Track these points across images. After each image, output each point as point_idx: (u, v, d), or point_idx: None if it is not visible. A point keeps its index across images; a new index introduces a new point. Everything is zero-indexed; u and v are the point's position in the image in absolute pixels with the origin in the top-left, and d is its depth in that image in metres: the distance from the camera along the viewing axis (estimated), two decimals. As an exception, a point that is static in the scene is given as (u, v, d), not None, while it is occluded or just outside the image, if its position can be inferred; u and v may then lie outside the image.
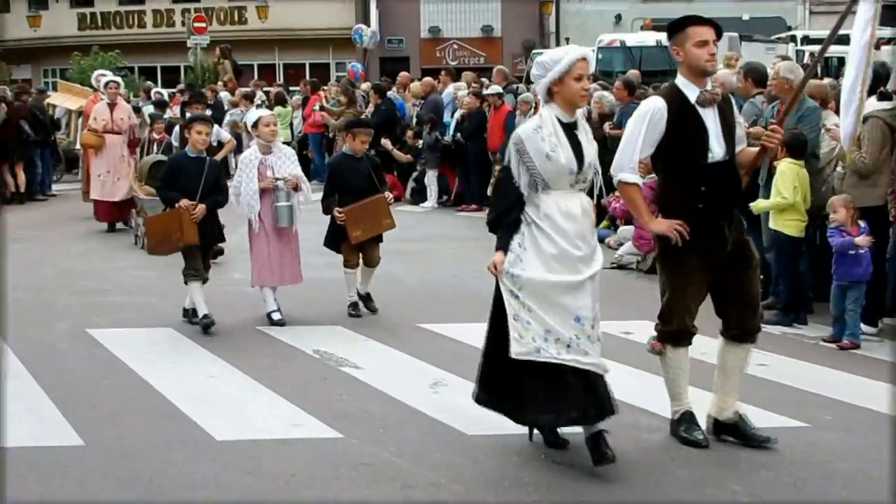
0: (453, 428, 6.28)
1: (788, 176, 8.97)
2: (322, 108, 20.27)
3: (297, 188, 9.07)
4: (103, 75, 16.20)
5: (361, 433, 6.22)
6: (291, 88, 25.22)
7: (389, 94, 19.87)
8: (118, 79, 15.81)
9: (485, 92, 17.30)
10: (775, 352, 8.23)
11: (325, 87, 22.15)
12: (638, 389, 7.07)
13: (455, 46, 37.33)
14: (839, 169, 9.17)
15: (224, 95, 23.00)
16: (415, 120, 19.01)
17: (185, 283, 8.94)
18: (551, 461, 5.77)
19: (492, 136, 16.56)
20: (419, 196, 18.28)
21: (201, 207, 8.78)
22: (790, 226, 9.07)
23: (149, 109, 18.24)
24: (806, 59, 21.36)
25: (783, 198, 8.95)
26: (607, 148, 13.63)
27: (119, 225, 15.05)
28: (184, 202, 8.75)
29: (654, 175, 10.49)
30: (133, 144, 14.99)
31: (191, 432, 6.24)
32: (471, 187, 17.32)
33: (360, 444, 6.03)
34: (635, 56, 23.89)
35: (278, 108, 21.59)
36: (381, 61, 35.71)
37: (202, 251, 9.01)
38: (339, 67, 36.07)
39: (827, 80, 11.52)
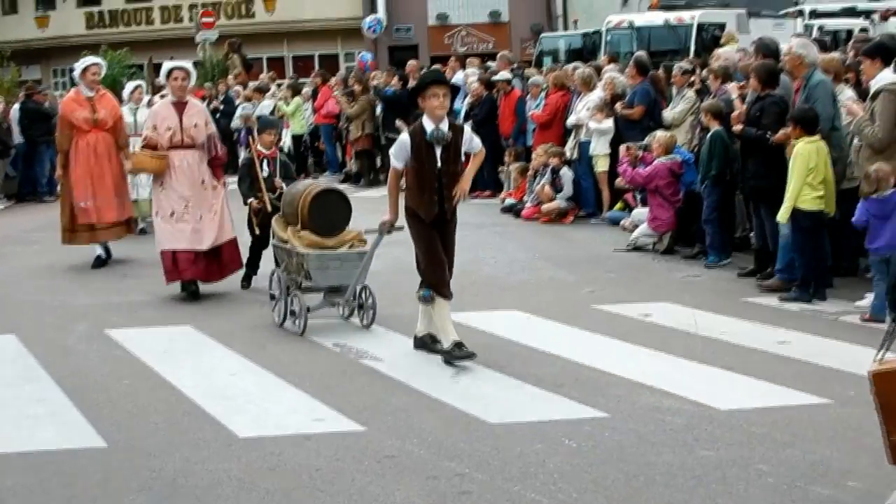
0: (476, 417, 6.27)
1: (801, 160, 8.93)
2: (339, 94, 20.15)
3: None
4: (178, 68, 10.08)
5: (384, 425, 6.22)
6: (301, 80, 25.18)
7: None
8: (187, 64, 10.41)
9: (493, 78, 17.24)
10: (796, 328, 8.20)
11: (335, 81, 21.85)
12: (659, 372, 7.07)
13: (463, 33, 37.20)
14: (856, 141, 9.11)
15: (237, 90, 22.97)
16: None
17: None
18: (575, 447, 5.76)
19: (503, 122, 16.51)
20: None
21: None
22: (806, 201, 9.01)
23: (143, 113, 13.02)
24: (815, 34, 21.21)
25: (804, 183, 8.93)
26: (619, 127, 13.62)
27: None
28: None
29: (673, 156, 10.56)
30: (218, 164, 10.09)
31: (213, 430, 6.24)
32: (483, 174, 17.26)
33: (383, 437, 6.02)
34: (644, 36, 23.78)
35: (297, 99, 21.54)
36: (390, 50, 35.67)
37: None
38: (347, 58, 36.00)
39: (836, 54, 11.44)
